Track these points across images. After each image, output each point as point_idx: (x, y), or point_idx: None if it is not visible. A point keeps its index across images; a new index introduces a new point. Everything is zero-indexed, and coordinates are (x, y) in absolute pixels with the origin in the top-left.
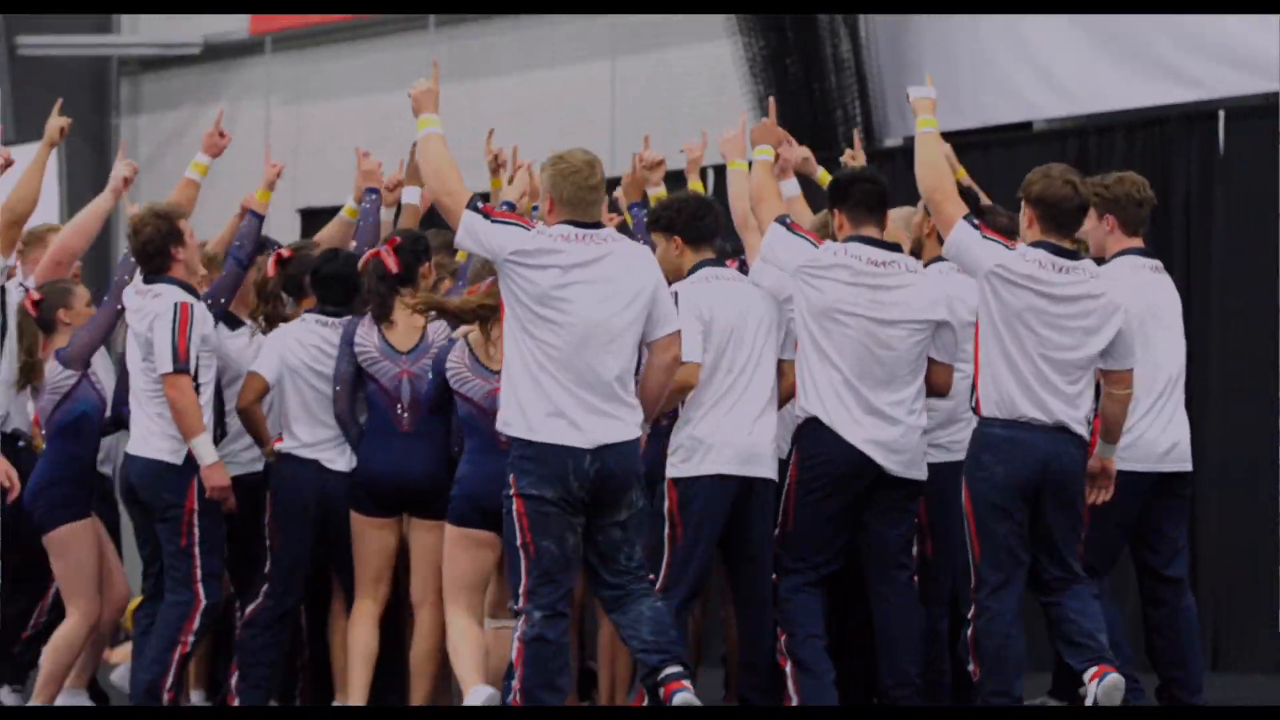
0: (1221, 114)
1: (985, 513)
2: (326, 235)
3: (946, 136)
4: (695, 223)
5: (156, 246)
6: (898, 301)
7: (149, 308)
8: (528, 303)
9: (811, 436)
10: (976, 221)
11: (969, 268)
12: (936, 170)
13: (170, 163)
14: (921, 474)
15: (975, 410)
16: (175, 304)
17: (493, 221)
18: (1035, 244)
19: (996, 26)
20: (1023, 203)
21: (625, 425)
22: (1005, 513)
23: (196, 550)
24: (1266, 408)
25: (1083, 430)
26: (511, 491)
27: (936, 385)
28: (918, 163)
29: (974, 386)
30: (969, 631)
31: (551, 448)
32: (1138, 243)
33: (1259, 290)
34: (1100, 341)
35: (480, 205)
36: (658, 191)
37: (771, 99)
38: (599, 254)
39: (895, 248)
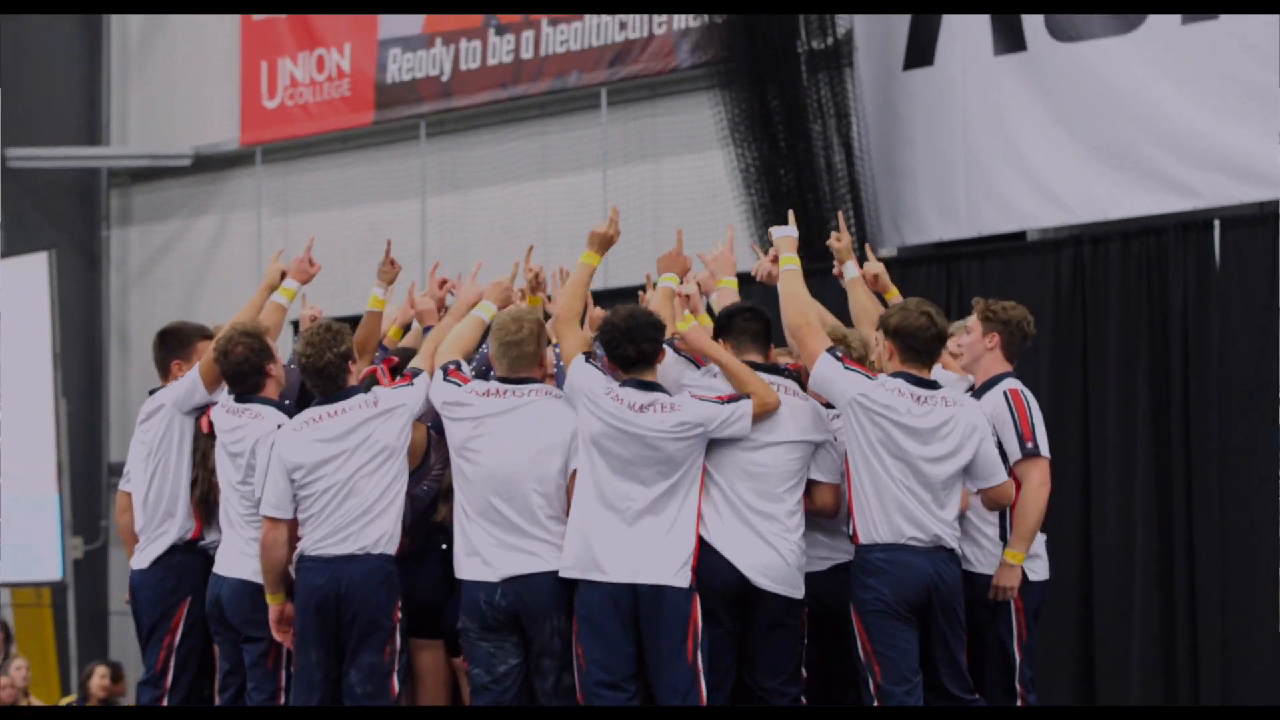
0: (1217, 223)
1: (879, 630)
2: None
3: (941, 246)
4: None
5: (252, 365)
6: (770, 423)
7: (250, 430)
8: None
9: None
10: (839, 353)
11: (834, 398)
12: (798, 304)
13: (161, 274)
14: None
15: (852, 539)
16: (280, 427)
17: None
18: (895, 374)
19: (988, 134)
20: (881, 336)
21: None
22: (898, 626)
23: (283, 672)
24: (1268, 518)
25: (958, 546)
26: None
27: (822, 506)
28: (781, 298)
29: (849, 514)
30: None
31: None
32: (1009, 369)
33: (1259, 399)
34: (960, 461)
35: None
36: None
37: (679, 231)
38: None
39: (776, 369)
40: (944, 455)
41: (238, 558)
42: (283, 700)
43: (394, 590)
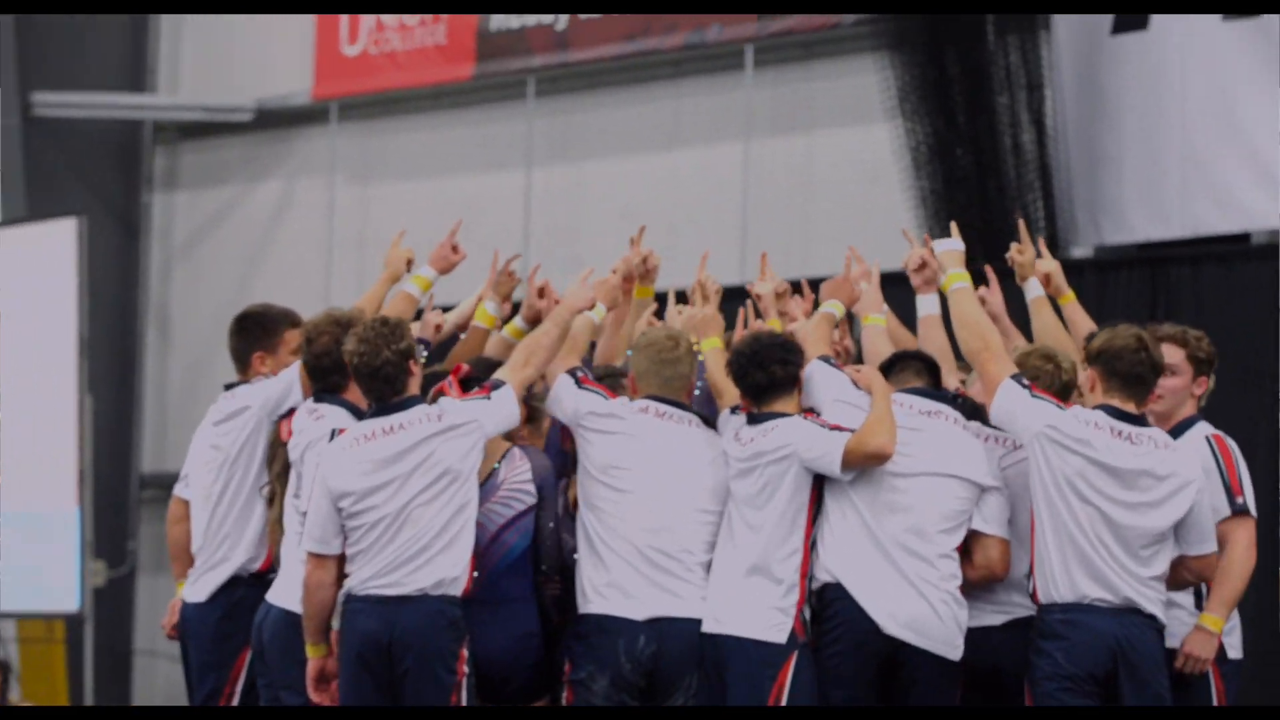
0: None
1: (1046, 703)
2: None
3: (1149, 247)
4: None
5: (334, 360)
6: (928, 453)
7: (308, 433)
8: None
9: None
10: (1026, 381)
11: (1016, 433)
12: (975, 327)
13: (211, 249)
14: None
15: (1032, 598)
16: (333, 431)
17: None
18: (1097, 407)
19: (1211, 119)
20: (1088, 367)
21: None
22: (1071, 701)
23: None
24: None
25: (1158, 611)
26: None
27: (987, 563)
28: (955, 323)
29: (1030, 572)
30: None
31: None
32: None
33: None
34: (1169, 516)
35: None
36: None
37: (851, 250)
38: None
39: (944, 397)
40: (1148, 504)
41: (285, 584)
42: None
43: (459, 637)
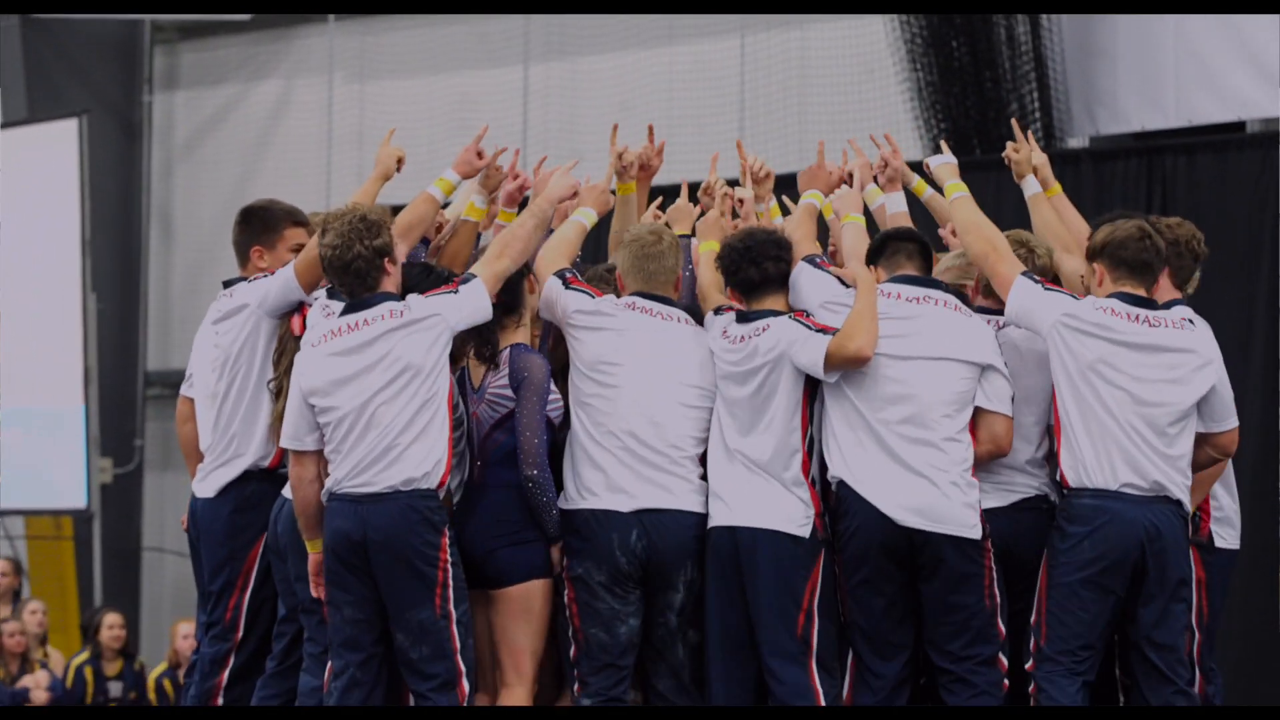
0: None
1: (1062, 590)
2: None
3: (1145, 136)
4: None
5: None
6: (923, 337)
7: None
8: None
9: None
10: (1036, 277)
11: (1035, 327)
12: (979, 231)
13: (211, 149)
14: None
15: (1061, 483)
16: None
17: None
18: (1109, 296)
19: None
20: (1090, 262)
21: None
22: (1087, 592)
23: None
24: None
25: (1185, 497)
26: None
27: (992, 439)
28: (959, 229)
29: (1056, 456)
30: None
31: None
32: (1178, 295)
33: None
34: (1193, 393)
35: None
36: (767, 208)
37: (821, 143)
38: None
39: (935, 284)
40: (1172, 380)
41: None
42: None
43: (436, 529)
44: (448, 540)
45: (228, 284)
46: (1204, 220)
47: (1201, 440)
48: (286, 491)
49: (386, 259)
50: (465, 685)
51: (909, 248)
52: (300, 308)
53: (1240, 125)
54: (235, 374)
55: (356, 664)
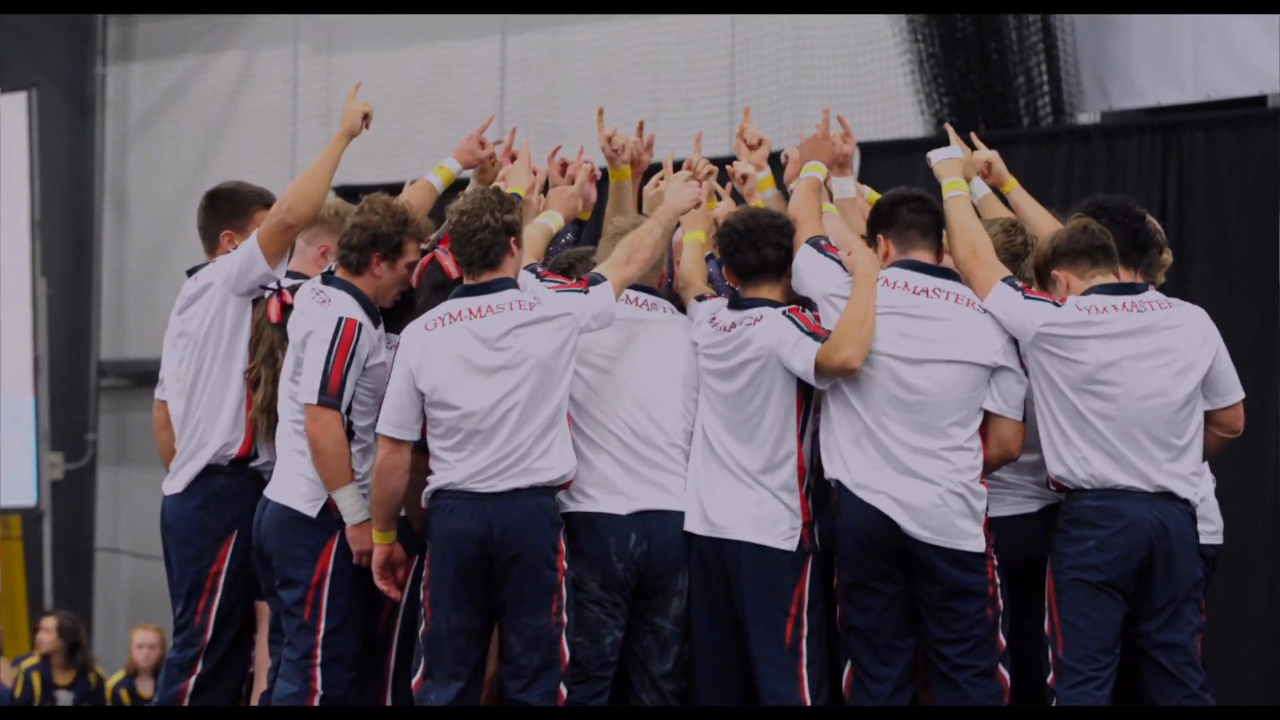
0: None
1: (1072, 595)
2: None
3: (1162, 111)
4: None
5: (381, 240)
6: (933, 337)
7: (310, 315)
8: None
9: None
10: (1019, 283)
11: (1016, 334)
12: (967, 234)
13: (169, 124)
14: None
15: (1056, 487)
16: (339, 319)
17: None
18: (1086, 292)
19: None
20: (1052, 276)
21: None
22: (1097, 595)
23: (321, 625)
24: None
25: (1193, 494)
26: None
27: (1001, 444)
28: (948, 229)
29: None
30: None
31: None
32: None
33: None
34: (1195, 375)
35: None
36: (766, 175)
37: (826, 110)
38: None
39: (947, 273)
40: (1175, 362)
41: (282, 477)
42: (319, 659)
43: (558, 532)
44: (564, 544)
45: (192, 271)
46: (1224, 201)
47: (1206, 420)
48: (269, 491)
49: (514, 238)
50: (564, 692)
51: (924, 222)
52: (276, 291)
53: (1262, 100)
54: (204, 358)
55: (466, 679)
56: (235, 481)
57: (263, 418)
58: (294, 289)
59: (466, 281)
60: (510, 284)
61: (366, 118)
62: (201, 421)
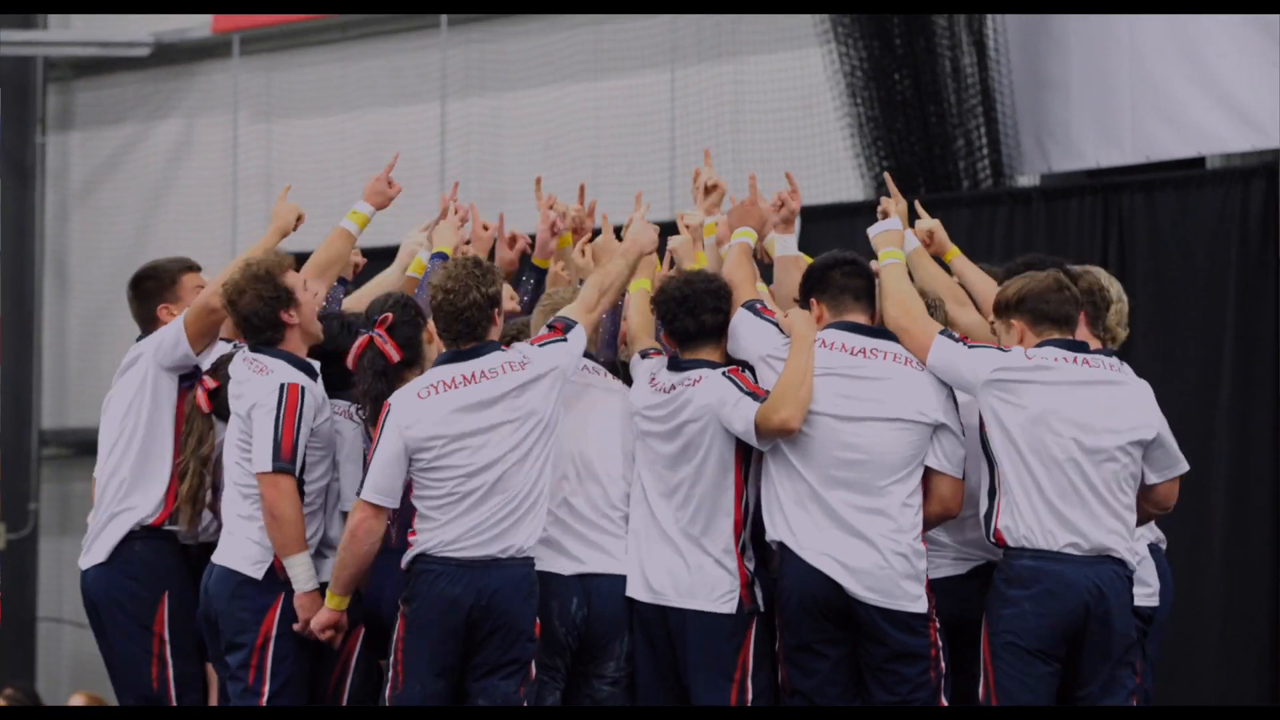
0: None
1: (1006, 661)
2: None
3: (1101, 173)
4: None
5: (263, 317)
6: (873, 397)
7: (250, 388)
8: None
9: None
10: (956, 335)
11: (963, 386)
12: (900, 299)
13: (110, 192)
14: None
15: (997, 541)
16: (281, 386)
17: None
18: (1040, 345)
19: (1161, 38)
20: (1006, 321)
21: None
22: (1031, 662)
23: (265, 688)
24: None
25: (1130, 557)
26: None
27: (940, 502)
28: (882, 292)
29: (991, 516)
30: None
31: None
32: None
33: None
34: (1135, 429)
35: None
36: (713, 220)
37: (752, 176)
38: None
39: (883, 334)
40: (1120, 418)
41: (230, 543)
42: None
43: (536, 601)
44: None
45: (140, 340)
46: (1165, 262)
47: (1140, 495)
48: (218, 556)
49: (496, 309)
50: None
51: (857, 286)
52: (199, 377)
53: (1201, 161)
54: (127, 423)
55: None
56: (152, 547)
57: (187, 507)
58: (227, 357)
59: (450, 349)
60: (495, 346)
61: (299, 219)
62: (127, 483)
